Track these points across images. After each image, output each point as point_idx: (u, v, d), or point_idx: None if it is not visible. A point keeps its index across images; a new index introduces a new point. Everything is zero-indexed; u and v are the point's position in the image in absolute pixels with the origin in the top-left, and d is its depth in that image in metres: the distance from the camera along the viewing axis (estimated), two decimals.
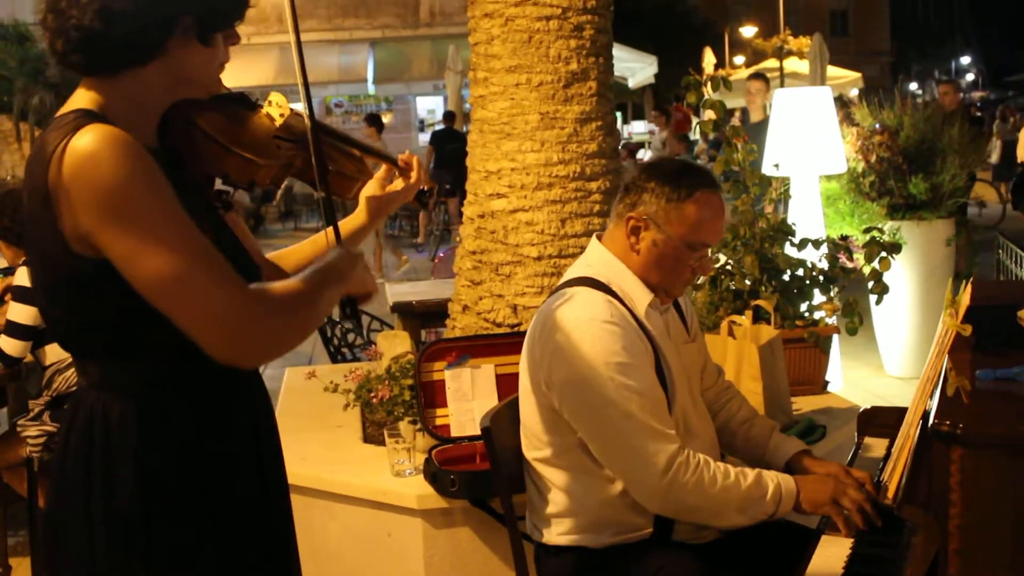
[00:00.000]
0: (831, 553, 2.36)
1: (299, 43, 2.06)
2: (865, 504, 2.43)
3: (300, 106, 2.14)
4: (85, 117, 1.79)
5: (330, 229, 2.13)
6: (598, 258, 2.72)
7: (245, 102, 2.15)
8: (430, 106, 28.21)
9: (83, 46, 1.81)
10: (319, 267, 1.93)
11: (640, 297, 2.66)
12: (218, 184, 2.08)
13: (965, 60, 76.36)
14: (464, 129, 14.38)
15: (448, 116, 17.66)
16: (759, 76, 10.76)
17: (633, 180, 2.70)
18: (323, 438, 3.69)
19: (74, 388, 2.13)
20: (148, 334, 1.84)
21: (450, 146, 14.90)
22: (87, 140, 1.73)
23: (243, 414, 2.01)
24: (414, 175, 2.44)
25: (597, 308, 2.57)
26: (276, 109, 2.15)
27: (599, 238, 2.77)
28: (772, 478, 2.54)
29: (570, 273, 2.77)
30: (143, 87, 1.87)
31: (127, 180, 1.72)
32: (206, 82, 1.96)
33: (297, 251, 2.37)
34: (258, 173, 2.07)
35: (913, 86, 52.03)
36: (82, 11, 1.78)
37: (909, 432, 2.26)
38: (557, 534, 2.67)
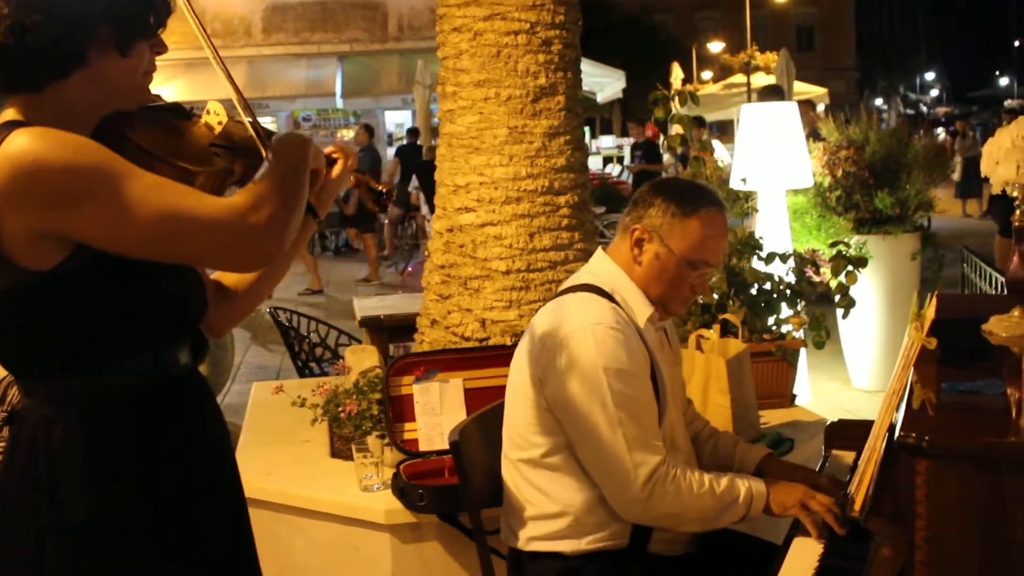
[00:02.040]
0: (798, 566, 2.37)
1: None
2: (834, 507, 2.47)
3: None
4: (11, 126, 1.78)
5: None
6: (602, 268, 2.75)
7: (179, 112, 2.13)
8: (399, 120, 28.16)
9: (1, 63, 1.79)
10: (273, 159, 1.99)
11: (641, 309, 2.69)
12: None
13: (930, 76, 77.20)
14: (433, 143, 14.37)
15: (412, 132, 17.82)
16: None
17: (642, 194, 2.75)
18: (290, 453, 3.67)
19: None
20: (94, 350, 1.84)
21: (416, 160, 14.98)
22: (18, 143, 1.73)
23: (193, 430, 2.00)
24: (340, 163, 2.34)
25: (602, 313, 2.60)
26: (215, 118, 2.12)
27: (604, 249, 2.81)
28: (744, 482, 2.59)
29: (574, 280, 2.80)
30: (68, 101, 1.85)
31: (74, 155, 1.72)
32: (131, 93, 1.94)
33: None
34: (194, 182, 2.02)
35: (879, 101, 52.48)
36: None
37: (875, 445, 2.27)
38: (534, 538, 2.67)
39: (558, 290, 2.82)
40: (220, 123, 2.12)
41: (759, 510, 2.57)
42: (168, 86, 18.43)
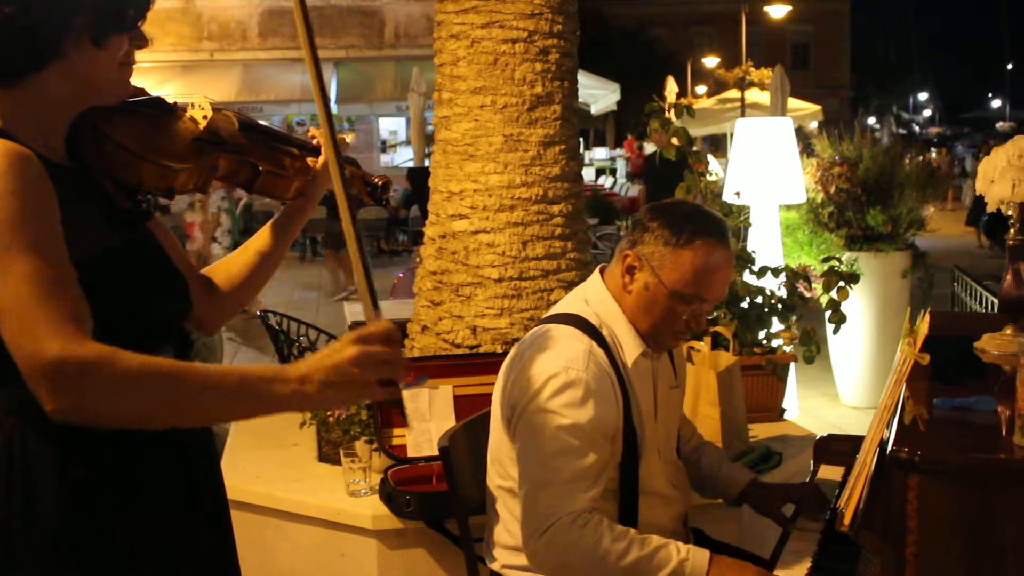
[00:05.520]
0: None
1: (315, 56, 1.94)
2: None
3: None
4: None
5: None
6: (596, 295, 2.60)
7: (161, 106, 2.07)
8: (392, 127, 28.22)
9: None
10: (245, 372, 1.73)
11: (630, 345, 2.54)
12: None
13: (923, 96, 77.53)
14: (427, 150, 14.32)
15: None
16: None
17: (639, 218, 2.58)
18: (278, 456, 3.66)
19: None
20: None
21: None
22: None
23: (171, 440, 1.90)
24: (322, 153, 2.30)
25: (576, 359, 2.44)
26: (199, 112, 2.08)
27: (602, 271, 2.66)
28: (678, 553, 2.35)
29: (566, 304, 2.66)
30: (44, 95, 1.81)
31: None
32: (108, 86, 1.88)
33: (230, 259, 2.30)
34: (176, 179, 1.99)
35: (872, 120, 52.66)
36: None
37: (866, 460, 2.27)
38: (510, 567, 2.62)
39: (549, 313, 2.70)
40: (205, 117, 2.07)
41: None
42: (164, 88, 18.45)
